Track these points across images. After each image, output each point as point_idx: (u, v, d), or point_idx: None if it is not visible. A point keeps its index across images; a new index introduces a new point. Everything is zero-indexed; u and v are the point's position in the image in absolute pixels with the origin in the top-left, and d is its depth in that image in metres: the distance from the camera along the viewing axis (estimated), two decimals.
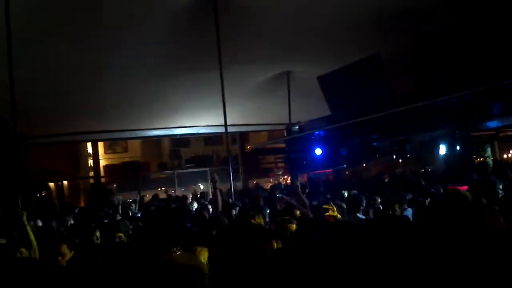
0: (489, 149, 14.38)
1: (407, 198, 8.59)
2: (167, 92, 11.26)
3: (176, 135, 17.03)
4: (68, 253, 4.97)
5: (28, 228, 5.16)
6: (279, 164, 24.62)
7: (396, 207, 7.06)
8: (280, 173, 25.18)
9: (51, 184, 23.70)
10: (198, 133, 17.27)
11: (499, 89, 8.10)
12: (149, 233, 3.58)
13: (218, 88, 9.23)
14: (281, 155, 23.64)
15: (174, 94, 11.49)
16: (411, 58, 9.13)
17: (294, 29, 8.72)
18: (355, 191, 10.34)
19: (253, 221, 5.60)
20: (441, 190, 9.37)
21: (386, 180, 15.22)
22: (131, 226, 7.57)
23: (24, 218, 5.16)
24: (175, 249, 3.38)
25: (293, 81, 11.23)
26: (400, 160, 17.90)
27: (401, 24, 8.74)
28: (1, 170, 12.93)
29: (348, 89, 10.19)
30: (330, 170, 16.88)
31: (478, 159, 14.68)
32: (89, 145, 24.55)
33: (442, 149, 12.24)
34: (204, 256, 3.94)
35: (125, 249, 4.23)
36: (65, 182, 24.61)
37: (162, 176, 25.08)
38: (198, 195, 15.11)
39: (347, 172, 19.42)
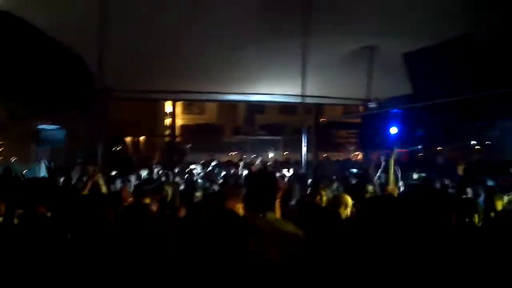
0: None
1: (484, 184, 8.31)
2: (246, 57, 11.31)
3: (252, 101, 17.12)
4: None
5: (101, 182, 5.35)
6: (352, 140, 24.28)
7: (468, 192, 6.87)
8: (352, 148, 24.87)
9: (128, 139, 24.57)
10: (274, 101, 17.29)
11: None
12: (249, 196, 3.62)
13: (299, 57, 9.18)
14: (354, 131, 23.29)
15: (255, 60, 11.52)
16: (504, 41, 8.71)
17: (386, 3, 8.49)
18: (424, 174, 10.11)
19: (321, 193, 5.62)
20: None
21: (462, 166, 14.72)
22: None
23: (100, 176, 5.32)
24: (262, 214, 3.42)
25: (375, 56, 10.98)
26: (480, 147, 17.24)
27: (496, 3, 8.33)
28: (83, 120, 13.54)
29: (434, 69, 9.86)
30: (404, 150, 16.51)
31: None
32: (167, 104, 25.17)
33: None
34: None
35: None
36: (141, 138, 25.45)
37: (235, 140, 25.39)
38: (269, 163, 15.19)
39: (421, 154, 18.94)
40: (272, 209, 3.48)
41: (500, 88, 8.82)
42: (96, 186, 5.54)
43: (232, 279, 2.57)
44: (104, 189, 5.54)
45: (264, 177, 3.70)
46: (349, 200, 4.98)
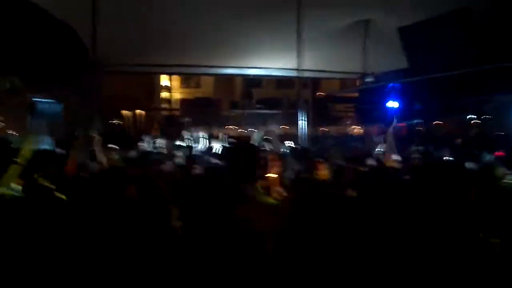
0: None
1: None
2: (242, 31, 11.23)
3: (249, 75, 17.05)
4: None
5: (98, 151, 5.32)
6: (349, 114, 24.23)
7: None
8: (349, 122, 24.82)
9: (125, 112, 24.52)
10: (270, 75, 17.22)
11: None
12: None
13: (294, 31, 9.13)
14: (352, 105, 23.24)
15: (250, 33, 11.45)
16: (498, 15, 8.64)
17: None
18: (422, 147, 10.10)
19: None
20: None
21: (459, 140, 14.73)
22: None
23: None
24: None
25: (371, 30, 10.90)
26: (477, 121, 17.21)
27: None
28: (78, 94, 13.47)
29: (429, 43, 9.81)
30: (402, 124, 16.50)
31: None
32: (164, 78, 25.07)
33: None
34: None
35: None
36: (138, 112, 25.40)
37: (233, 114, 25.34)
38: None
39: (419, 128, 18.94)
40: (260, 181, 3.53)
41: (498, 62, 8.79)
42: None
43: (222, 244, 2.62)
44: (102, 158, 5.51)
45: (244, 151, 3.75)
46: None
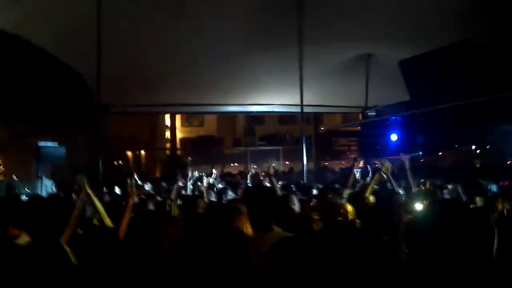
0: None
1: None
2: (245, 68, 11.36)
3: (251, 112, 17.14)
4: None
5: (92, 195, 5.11)
6: (352, 147, 24.28)
7: (477, 200, 6.80)
8: (353, 156, 24.83)
9: (129, 153, 24.60)
10: (273, 111, 17.32)
11: None
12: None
13: (296, 67, 9.23)
14: (354, 138, 23.30)
15: (251, 71, 11.57)
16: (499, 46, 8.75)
17: (379, 10, 8.54)
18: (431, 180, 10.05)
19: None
20: None
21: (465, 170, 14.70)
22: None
23: (86, 185, 5.08)
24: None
25: (372, 64, 11.03)
26: (479, 151, 17.21)
27: (491, 10, 8.37)
28: (83, 136, 13.54)
29: (430, 75, 9.89)
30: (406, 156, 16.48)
31: None
32: (167, 117, 25.22)
33: None
34: None
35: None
36: (142, 152, 25.48)
37: (236, 152, 25.37)
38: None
39: (422, 160, 18.93)
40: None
41: (497, 93, 8.85)
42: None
43: None
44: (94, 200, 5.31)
45: (265, 192, 3.68)
46: (349, 209, 4.91)
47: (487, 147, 15.52)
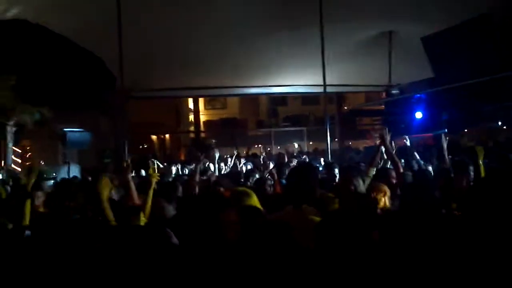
0: None
1: None
2: (266, 49, 11.34)
3: (274, 93, 17.13)
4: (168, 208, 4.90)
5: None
6: (376, 126, 24.09)
7: None
8: (377, 135, 24.61)
9: (154, 137, 24.84)
10: (295, 92, 17.28)
11: None
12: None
13: (318, 47, 9.16)
14: (378, 117, 23.12)
15: (273, 52, 11.55)
16: None
17: None
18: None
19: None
20: None
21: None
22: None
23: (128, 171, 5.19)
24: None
25: (395, 41, 10.90)
26: (505, 127, 16.95)
27: None
28: (107, 121, 13.72)
29: (453, 51, 9.76)
30: (429, 134, 16.36)
31: None
32: (190, 101, 25.33)
33: None
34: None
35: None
36: (166, 136, 25.70)
37: (259, 133, 25.42)
38: (295, 154, 15.09)
39: (447, 138, 18.70)
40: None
41: None
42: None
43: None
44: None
45: (306, 170, 3.74)
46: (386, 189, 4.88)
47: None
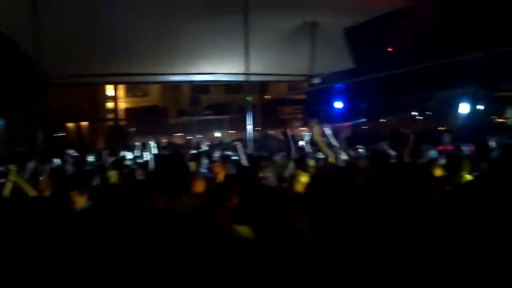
0: (510, 110, 14.17)
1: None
2: (189, 36, 11.15)
3: (196, 81, 16.97)
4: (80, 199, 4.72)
5: (20, 181, 5.12)
6: (298, 116, 24.50)
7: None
8: (298, 124, 25.07)
9: (70, 125, 24.01)
10: (218, 80, 17.19)
11: None
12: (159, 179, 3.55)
13: (241, 35, 9.14)
14: (300, 107, 23.53)
15: (195, 39, 11.37)
16: (439, 14, 8.92)
17: None
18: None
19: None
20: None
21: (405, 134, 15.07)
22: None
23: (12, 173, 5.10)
24: (185, 195, 3.42)
25: (317, 31, 11.05)
26: (420, 117, 17.72)
27: None
28: (21, 107, 13.10)
29: (373, 43, 10.03)
30: (349, 123, 16.82)
31: (499, 119, 14.55)
32: (109, 88, 24.69)
33: (464, 108, 12.14)
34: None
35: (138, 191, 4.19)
36: (84, 123, 24.94)
37: (181, 122, 25.22)
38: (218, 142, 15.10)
39: (366, 127, 19.33)
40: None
41: (437, 60, 9.06)
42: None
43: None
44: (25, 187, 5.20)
45: (172, 161, 3.65)
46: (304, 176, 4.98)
47: (427, 113, 15.99)
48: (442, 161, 6.77)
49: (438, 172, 6.00)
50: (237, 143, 9.43)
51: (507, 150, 7.23)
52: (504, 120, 14.49)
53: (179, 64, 13.57)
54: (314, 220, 2.76)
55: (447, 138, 10.85)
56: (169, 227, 2.76)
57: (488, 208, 2.03)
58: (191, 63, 13.55)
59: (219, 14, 9.85)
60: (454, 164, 5.38)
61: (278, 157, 8.00)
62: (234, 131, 23.59)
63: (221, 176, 6.25)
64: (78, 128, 24.83)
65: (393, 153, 8.20)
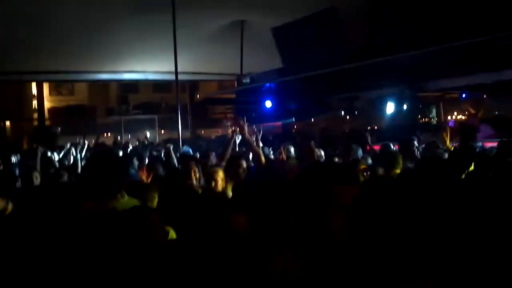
0: (434, 110, 14.74)
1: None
2: (117, 33, 10.92)
3: (124, 80, 16.68)
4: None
5: None
6: (228, 115, 24.51)
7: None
8: (229, 124, 25.09)
9: None
10: (147, 79, 16.95)
11: (448, 50, 8.25)
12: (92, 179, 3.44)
13: (170, 33, 9.03)
14: (230, 106, 23.54)
15: (124, 36, 11.16)
16: (367, 15, 9.15)
17: None
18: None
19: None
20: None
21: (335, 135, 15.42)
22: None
23: None
24: (120, 195, 3.33)
25: (246, 31, 11.08)
26: (348, 117, 18.14)
27: None
28: None
29: (301, 42, 10.16)
30: (278, 123, 16.99)
31: (424, 119, 15.10)
32: (34, 86, 23.84)
33: (389, 107, 12.51)
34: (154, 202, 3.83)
35: (66, 193, 4.07)
36: (7, 123, 23.96)
37: (109, 121, 24.68)
38: (146, 143, 14.85)
39: (295, 126, 19.57)
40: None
41: (364, 60, 9.30)
42: None
43: None
44: None
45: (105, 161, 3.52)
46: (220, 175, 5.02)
47: (355, 112, 16.38)
48: (369, 160, 6.97)
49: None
50: (167, 144, 9.33)
51: (430, 150, 7.50)
52: (428, 120, 15.06)
53: (107, 62, 13.32)
54: (254, 219, 2.77)
55: (374, 137, 11.18)
56: (100, 229, 2.70)
57: (397, 205, 2.11)
58: (120, 61, 13.33)
59: (148, 12, 9.69)
60: (388, 162, 5.53)
61: (211, 157, 7.98)
62: (164, 131, 23.33)
63: (148, 177, 6.14)
64: (2, 127, 23.85)
65: (322, 152, 8.36)
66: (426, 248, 2.15)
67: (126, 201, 3.32)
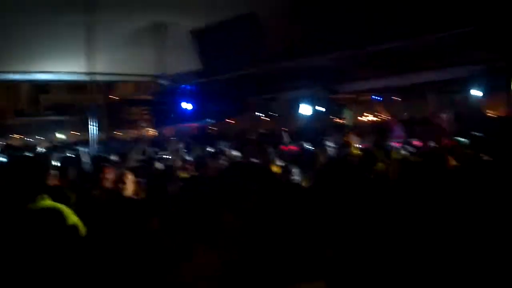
0: (347, 112, 15.21)
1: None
2: (27, 32, 10.50)
3: (35, 80, 16.07)
4: None
5: None
6: (145, 116, 24.19)
7: None
8: (144, 125, 24.79)
9: None
10: (59, 80, 16.40)
11: (361, 55, 8.60)
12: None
13: (84, 33, 8.84)
14: (147, 107, 23.25)
15: (35, 35, 10.74)
16: (286, 18, 9.34)
17: None
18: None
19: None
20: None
21: (251, 137, 15.62)
22: None
23: None
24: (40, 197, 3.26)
25: (165, 32, 11.00)
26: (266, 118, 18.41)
27: None
28: None
29: (221, 45, 10.23)
30: (195, 124, 16.98)
31: (338, 120, 15.59)
32: None
33: (305, 109, 12.83)
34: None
35: None
36: None
37: (18, 123, 23.76)
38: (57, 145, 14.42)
39: (213, 128, 19.64)
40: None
41: (281, 62, 9.50)
42: None
43: None
44: None
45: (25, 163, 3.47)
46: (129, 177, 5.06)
47: (272, 114, 16.65)
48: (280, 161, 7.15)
49: (277, 170, 6.35)
50: (79, 147, 9.13)
51: (342, 150, 7.78)
52: (341, 121, 15.53)
53: (16, 61, 12.76)
54: (166, 220, 2.82)
55: (289, 138, 11.44)
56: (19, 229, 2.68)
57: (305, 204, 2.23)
58: (30, 60, 12.80)
59: (60, 10, 9.40)
60: (305, 162, 5.71)
61: (130, 159, 7.90)
62: (76, 133, 22.72)
63: (61, 180, 5.97)
64: None
65: (237, 153, 8.48)
66: (321, 248, 2.26)
67: (46, 203, 3.27)
